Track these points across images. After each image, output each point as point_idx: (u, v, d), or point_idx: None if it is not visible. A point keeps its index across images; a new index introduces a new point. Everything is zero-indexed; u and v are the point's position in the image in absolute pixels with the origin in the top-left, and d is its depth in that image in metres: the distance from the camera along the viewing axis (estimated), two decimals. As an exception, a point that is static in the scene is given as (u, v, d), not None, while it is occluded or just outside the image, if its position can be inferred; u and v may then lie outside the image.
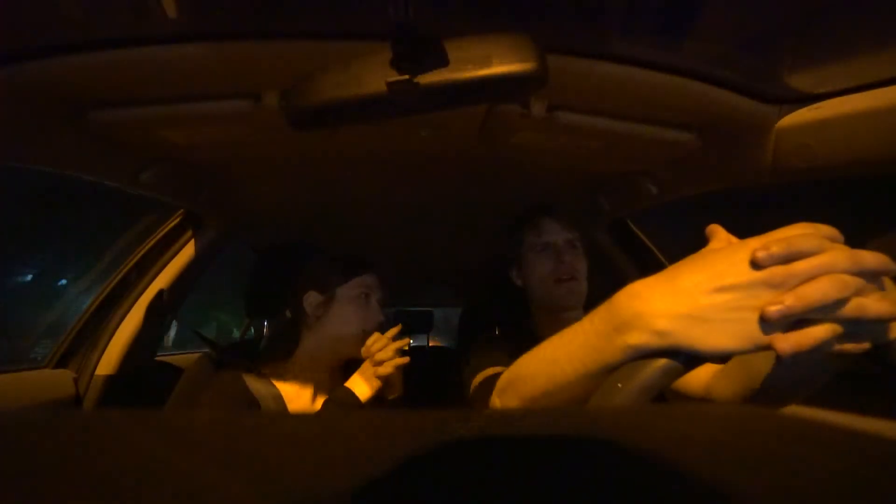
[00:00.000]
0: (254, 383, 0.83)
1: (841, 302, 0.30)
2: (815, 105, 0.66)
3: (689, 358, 0.34)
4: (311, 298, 0.89)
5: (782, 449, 0.17)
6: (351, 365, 0.92)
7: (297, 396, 0.85)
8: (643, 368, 0.34)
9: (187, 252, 1.27)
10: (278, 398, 0.83)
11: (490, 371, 0.74)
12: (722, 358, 0.33)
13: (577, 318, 0.87)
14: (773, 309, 0.30)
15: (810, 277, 0.30)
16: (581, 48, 0.62)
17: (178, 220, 1.26)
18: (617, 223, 1.31)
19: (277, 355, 0.89)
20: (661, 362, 0.34)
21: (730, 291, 0.32)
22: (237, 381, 0.82)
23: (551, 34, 0.58)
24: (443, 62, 0.55)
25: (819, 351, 0.31)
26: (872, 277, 0.31)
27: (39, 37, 0.58)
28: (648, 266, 1.29)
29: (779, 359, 0.31)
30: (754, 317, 0.31)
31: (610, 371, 0.36)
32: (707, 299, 0.32)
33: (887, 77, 0.59)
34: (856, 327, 0.31)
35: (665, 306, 0.33)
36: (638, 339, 0.34)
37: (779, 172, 0.84)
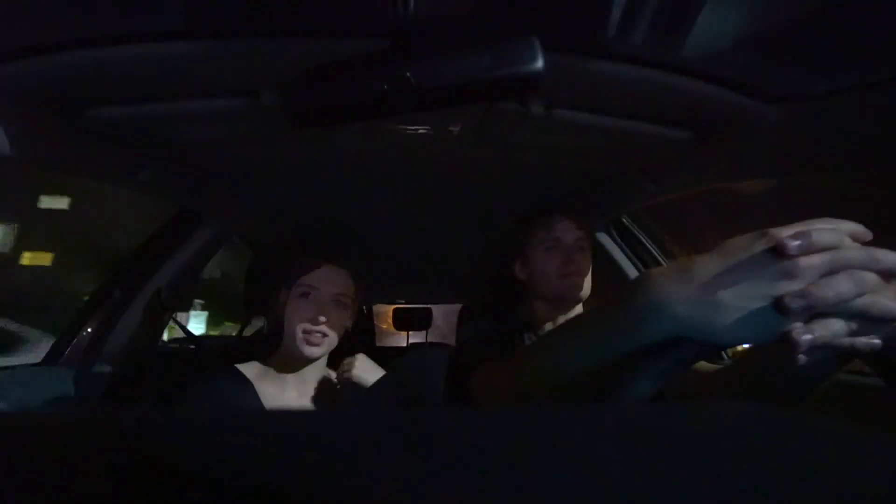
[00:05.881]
0: (231, 382, 0.84)
1: (858, 298, 0.30)
2: (813, 104, 0.66)
3: (702, 346, 0.34)
4: (280, 296, 0.89)
5: (783, 448, 0.17)
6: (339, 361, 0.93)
7: (276, 395, 0.85)
8: (656, 355, 0.34)
9: (186, 249, 1.27)
10: (253, 397, 0.83)
11: (492, 365, 0.74)
12: (733, 347, 0.33)
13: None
14: (794, 299, 0.30)
15: (829, 271, 0.30)
16: (579, 46, 0.62)
17: (176, 217, 1.26)
18: (614, 221, 1.31)
19: (259, 353, 0.90)
20: (675, 349, 0.34)
21: (747, 280, 0.32)
22: (215, 381, 0.83)
23: (549, 32, 0.58)
24: (441, 61, 0.55)
25: (831, 346, 0.31)
26: (889, 276, 0.31)
27: (36, 34, 0.58)
28: (646, 265, 1.29)
29: (788, 354, 0.31)
30: (770, 307, 0.31)
31: (622, 358, 0.36)
32: (724, 287, 0.32)
33: (885, 77, 0.59)
34: (868, 325, 0.31)
35: (682, 293, 0.33)
36: (653, 325, 0.34)
37: (777, 170, 0.84)
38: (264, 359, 0.90)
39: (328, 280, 0.88)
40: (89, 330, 1.18)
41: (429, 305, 3.00)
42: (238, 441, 0.17)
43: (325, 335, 0.84)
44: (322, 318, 0.84)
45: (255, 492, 0.13)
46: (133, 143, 0.84)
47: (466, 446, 0.17)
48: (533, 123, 0.78)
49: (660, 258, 1.29)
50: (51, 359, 1.13)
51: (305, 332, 0.84)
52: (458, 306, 2.13)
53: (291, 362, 0.88)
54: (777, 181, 0.86)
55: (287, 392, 0.87)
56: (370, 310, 2.86)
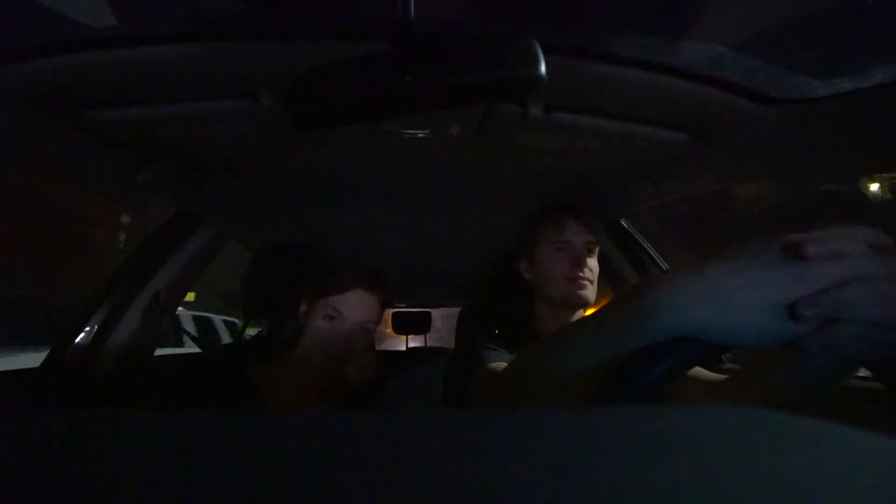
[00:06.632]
0: (235, 385, 0.83)
1: (871, 307, 0.30)
2: (811, 106, 0.66)
3: (706, 347, 0.33)
4: (303, 305, 0.88)
5: (783, 450, 0.17)
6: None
7: (282, 398, 0.85)
8: (661, 354, 0.34)
9: (185, 252, 1.27)
10: (257, 401, 0.83)
11: (492, 366, 0.73)
12: (742, 351, 0.33)
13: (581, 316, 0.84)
14: (808, 305, 0.30)
15: (845, 279, 0.30)
16: (578, 49, 0.62)
17: (175, 219, 1.26)
18: (612, 223, 1.31)
19: (269, 356, 0.89)
20: (680, 349, 0.33)
21: (761, 282, 0.31)
22: (219, 385, 0.83)
23: (549, 34, 0.58)
24: (441, 63, 0.55)
25: (841, 354, 0.31)
26: None
27: (34, 36, 0.58)
28: (645, 267, 1.29)
29: (797, 359, 0.31)
30: (781, 312, 0.31)
31: (625, 357, 0.36)
32: (737, 288, 0.32)
33: (883, 79, 0.59)
34: (879, 334, 0.31)
35: (692, 292, 0.33)
36: (661, 323, 0.34)
37: (775, 172, 0.84)
38: (272, 362, 0.89)
39: (356, 306, 0.86)
40: (88, 333, 1.17)
41: (428, 309, 3.00)
42: (240, 442, 0.17)
43: (347, 359, 0.85)
44: (348, 345, 0.85)
45: (257, 493, 0.13)
46: (132, 145, 0.84)
47: (465, 448, 0.17)
48: (532, 126, 0.78)
49: (658, 261, 1.29)
50: (50, 362, 1.13)
51: (329, 356, 0.83)
52: (457, 310, 2.13)
53: (305, 369, 0.87)
54: (776, 183, 0.86)
55: (293, 395, 0.86)
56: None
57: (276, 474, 0.14)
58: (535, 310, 0.93)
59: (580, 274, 0.85)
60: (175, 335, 2.63)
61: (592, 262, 0.88)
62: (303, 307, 0.89)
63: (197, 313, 4.87)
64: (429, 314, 2.95)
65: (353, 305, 0.85)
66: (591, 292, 0.86)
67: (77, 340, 1.16)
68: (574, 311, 0.88)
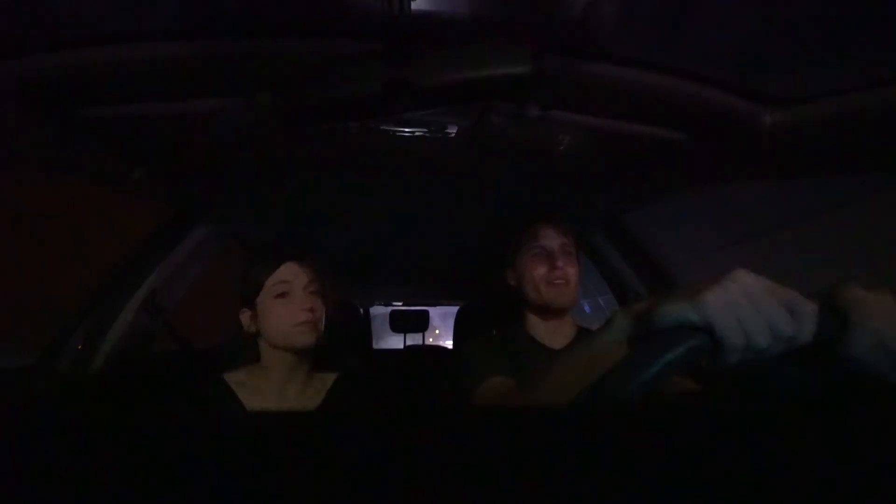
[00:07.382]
0: (214, 391, 0.84)
1: None
2: (807, 106, 0.67)
3: (716, 346, 0.33)
4: (245, 317, 0.88)
5: (780, 448, 0.17)
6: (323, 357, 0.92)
7: (264, 401, 0.85)
8: (670, 343, 0.33)
9: (182, 251, 1.26)
10: (238, 405, 0.83)
11: (496, 381, 0.74)
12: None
13: (568, 321, 0.88)
14: None
15: None
16: (575, 48, 0.62)
17: (171, 218, 1.25)
18: (611, 223, 1.32)
19: (243, 362, 0.90)
20: (691, 339, 0.33)
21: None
22: (198, 391, 0.84)
23: (545, 33, 0.58)
24: (437, 62, 0.55)
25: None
26: None
27: (29, 33, 0.58)
28: (643, 266, 1.29)
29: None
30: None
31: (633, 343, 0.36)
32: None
33: (875, 79, 0.60)
34: None
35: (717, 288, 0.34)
36: (678, 308, 0.34)
37: (771, 173, 0.84)
38: (247, 365, 0.89)
39: (297, 273, 0.87)
40: (83, 333, 1.17)
41: (426, 307, 3.00)
42: (229, 443, 0.17)
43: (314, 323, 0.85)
44: (303, 311, 0.84)
45: (249, 493, 0.13)
46: (127, 142, 0.84)
47: (462, 447, 0.17)
48: (529, 125, 0.78)
49: (658, 260, 1.29)
50: (44, 361, 1.12)
51: (298, 325, 0.83)
52: (454, 308, 2.13)
53: (280, 368, 0.87)
54: (770, 183, 0.87)
55: (274, 396, 0.86)
56: (367, 312, 2.84)
57: (268, 475, 0.14)
58: (525, 315, 0.94)
59: (557, 276, 0.87)
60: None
61: (569, 264, 0.90)
62: (245, 318, 0.88)
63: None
64: (426, 312, 2.95)
65: (293, 272, 0.86)
66: (569, 294, 0.88)
67: (71, 340, 1.15)
68: (557, 314, 0.90)
